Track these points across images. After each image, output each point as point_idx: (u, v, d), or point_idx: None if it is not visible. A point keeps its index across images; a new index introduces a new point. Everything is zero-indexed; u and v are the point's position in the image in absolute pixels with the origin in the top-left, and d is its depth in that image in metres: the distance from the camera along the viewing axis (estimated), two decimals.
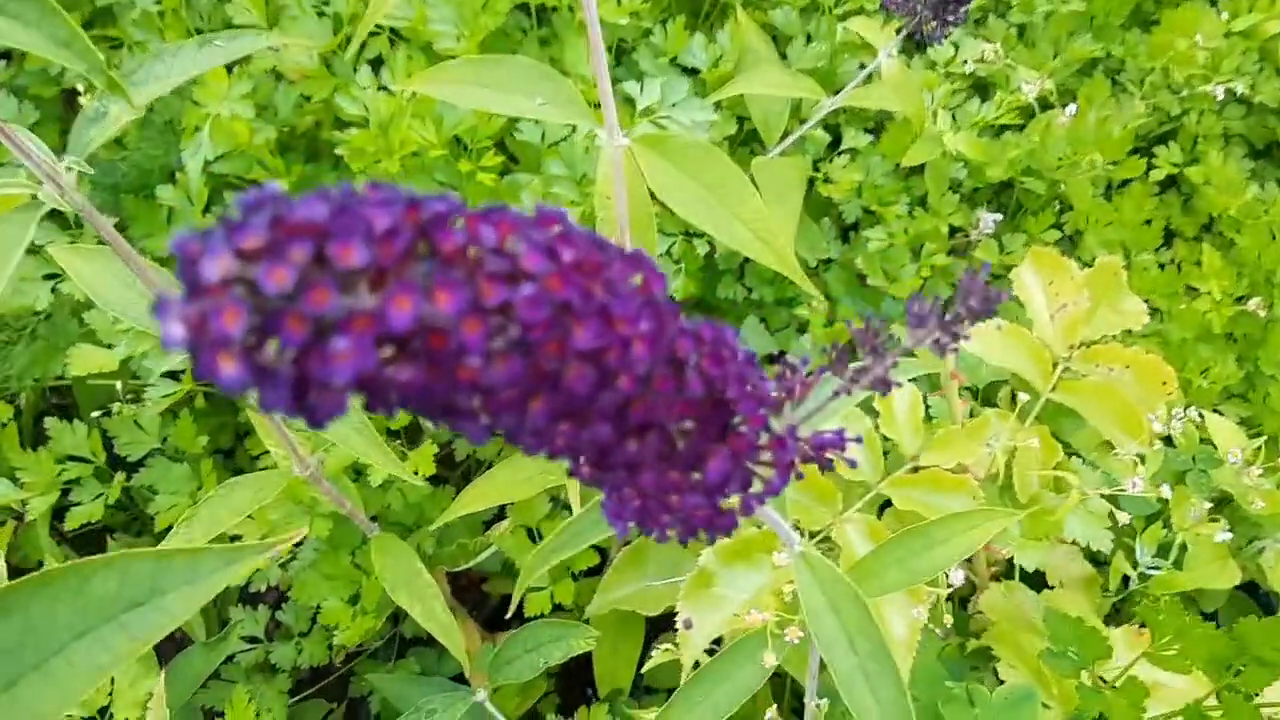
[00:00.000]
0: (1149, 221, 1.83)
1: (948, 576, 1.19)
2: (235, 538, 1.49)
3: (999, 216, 1.80)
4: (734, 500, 0.64)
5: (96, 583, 0.70)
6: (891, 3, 1.57)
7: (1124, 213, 1.81)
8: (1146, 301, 1.52)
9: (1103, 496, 1.39)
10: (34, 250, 1.50)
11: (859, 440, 0.71)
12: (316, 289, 0.39)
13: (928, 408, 1.48)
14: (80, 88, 1.63)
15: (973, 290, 0.62)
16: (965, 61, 1.84)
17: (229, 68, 1.57)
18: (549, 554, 0.88)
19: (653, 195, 1.23)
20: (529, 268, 0.45)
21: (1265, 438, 1.52)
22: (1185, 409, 1.46)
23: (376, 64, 1.71)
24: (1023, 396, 1.40)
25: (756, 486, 0.64)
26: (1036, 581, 1.50)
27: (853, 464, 0.68)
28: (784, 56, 1.97)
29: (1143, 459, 1.45)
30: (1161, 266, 1.81)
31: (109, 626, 0.69)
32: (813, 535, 1.24)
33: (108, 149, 1.60)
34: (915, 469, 1.35)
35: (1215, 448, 1.50)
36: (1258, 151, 2.04)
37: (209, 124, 1.46)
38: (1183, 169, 1.89)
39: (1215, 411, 1.61)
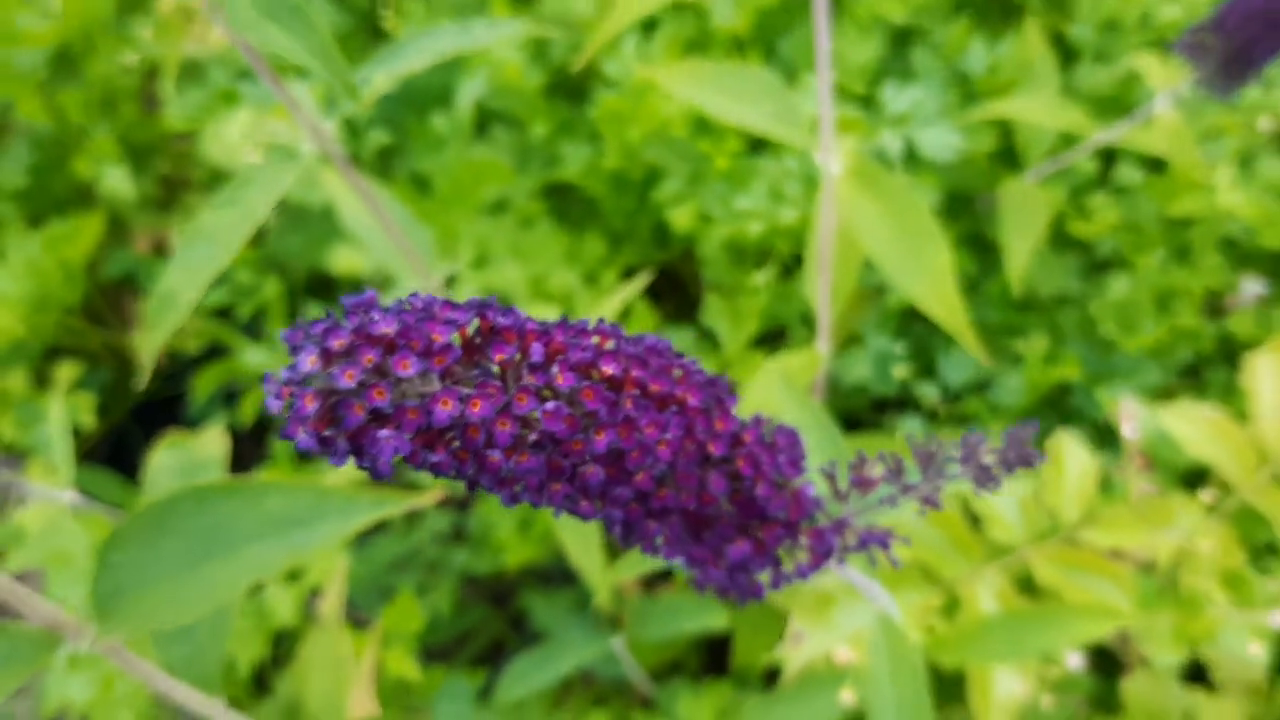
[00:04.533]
0: None
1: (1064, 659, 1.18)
2: None
3: (1262, 288, 1.67)
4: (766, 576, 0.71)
5: (271, 500, 0.87)
6: (1181, 48, 1.48)
7: None
8: None
9: None
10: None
11: (907, 541, 0.75)
12: (377, 388, 0.50)
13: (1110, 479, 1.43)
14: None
15: (1016, 444, 0.65)
16: (1261, 118, 1.70)
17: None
18: (627, 565, 0.98)
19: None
20: (560, 385, 0.54)
21: None
22: None
23: (650, 26, 1.80)
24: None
25: (788, 566, 0.70)
26: (1198, 673, 1.45)
27: (895, 564, 0.73)
28: (1070, 64, 1.88)
29: None
30: None
31: (275, 539, 0.86)
32: (937, 583, 1.27)
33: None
34: (1071, 541, 1.33)
35: None
36: None
37: (484, 64, 1.62)
38: None
39: None
